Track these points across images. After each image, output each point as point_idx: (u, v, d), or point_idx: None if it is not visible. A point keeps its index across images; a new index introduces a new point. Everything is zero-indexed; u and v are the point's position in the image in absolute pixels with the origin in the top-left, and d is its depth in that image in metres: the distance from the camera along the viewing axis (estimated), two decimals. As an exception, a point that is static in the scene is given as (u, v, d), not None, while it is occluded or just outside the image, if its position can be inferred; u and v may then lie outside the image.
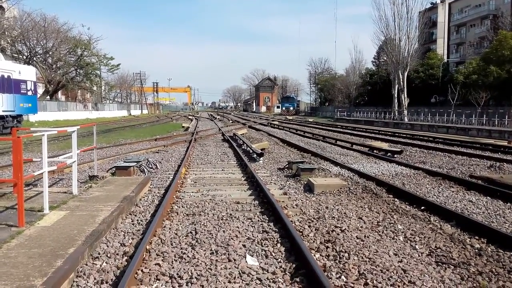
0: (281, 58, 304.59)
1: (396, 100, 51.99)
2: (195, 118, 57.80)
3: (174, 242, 5.73)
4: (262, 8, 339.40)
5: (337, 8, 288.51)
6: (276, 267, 4.91)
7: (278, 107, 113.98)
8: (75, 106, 63.46)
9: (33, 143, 18.82)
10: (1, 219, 6.09)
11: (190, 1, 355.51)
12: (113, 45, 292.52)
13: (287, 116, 78.38)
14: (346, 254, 5.31)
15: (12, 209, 6.61)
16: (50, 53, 57.64)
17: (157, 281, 4.54)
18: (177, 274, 4.66)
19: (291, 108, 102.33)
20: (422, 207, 7.87)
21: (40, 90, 52.69)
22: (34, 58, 55.19)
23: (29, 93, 28.25)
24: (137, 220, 6.84)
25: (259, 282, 4.53)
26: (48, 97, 57.71)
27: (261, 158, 14.54)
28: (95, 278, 4.55)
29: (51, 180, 9.53)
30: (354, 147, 19.31)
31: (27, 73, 28.40)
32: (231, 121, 50.29)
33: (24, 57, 53.62)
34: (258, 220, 6.86)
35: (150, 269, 4.78)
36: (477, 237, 6.17)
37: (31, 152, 16.30)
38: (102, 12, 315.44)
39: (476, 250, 5.64)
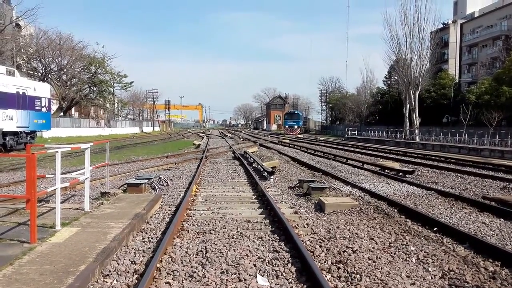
0: (292, 77, 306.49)
1: (407, 120, 51.78)
2: (206, 136, 58.02)
3: (185, 261, 5.72)
4: (273, 27, 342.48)
5: (348, 28, 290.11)
6: (287, 288, 4.87)
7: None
8: (88, 122, 64.20)
9: (46, 159, 19.02)
10: (14, 235, 6.13)
11: (202, 20, 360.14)
12: (126, 62, 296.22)
13: (298, 135, 74.88)
14: (358, 276, 5.26)
15: (24, 225, 6.65)
16: (65, 70, 58.67)
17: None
18: (187, 293, 4.64)
19: (296, 127, 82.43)
20: (435, 229, 7.78)
21: (54, 107, 53.40)
22: (49, 75, 56.15)
23: (43, 109, 28.67)
24: (148, 237, 6.84)
25: (270, 303, 4.49)
26: (62, 113, 58.50)
27: (272, 177, 14.51)
28: (105, 296, 4.55)
29: (63, 196, 9.60)
30: (365, 166, 19.21)
31: (42, 90, 28.87)
32: (241, 139, 50.40)
33: (39, 74, 54.58)
34: (269, 239, 6.83)
35: (160, 288, 4.77)
36: (491, 260, 6.07)
37: (44, 168, 16.45)
38: (117, 31, 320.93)
39: (490, 274, 5.55)
